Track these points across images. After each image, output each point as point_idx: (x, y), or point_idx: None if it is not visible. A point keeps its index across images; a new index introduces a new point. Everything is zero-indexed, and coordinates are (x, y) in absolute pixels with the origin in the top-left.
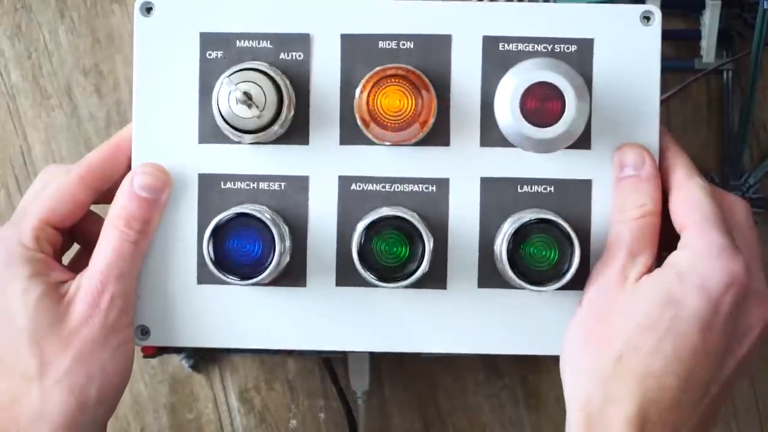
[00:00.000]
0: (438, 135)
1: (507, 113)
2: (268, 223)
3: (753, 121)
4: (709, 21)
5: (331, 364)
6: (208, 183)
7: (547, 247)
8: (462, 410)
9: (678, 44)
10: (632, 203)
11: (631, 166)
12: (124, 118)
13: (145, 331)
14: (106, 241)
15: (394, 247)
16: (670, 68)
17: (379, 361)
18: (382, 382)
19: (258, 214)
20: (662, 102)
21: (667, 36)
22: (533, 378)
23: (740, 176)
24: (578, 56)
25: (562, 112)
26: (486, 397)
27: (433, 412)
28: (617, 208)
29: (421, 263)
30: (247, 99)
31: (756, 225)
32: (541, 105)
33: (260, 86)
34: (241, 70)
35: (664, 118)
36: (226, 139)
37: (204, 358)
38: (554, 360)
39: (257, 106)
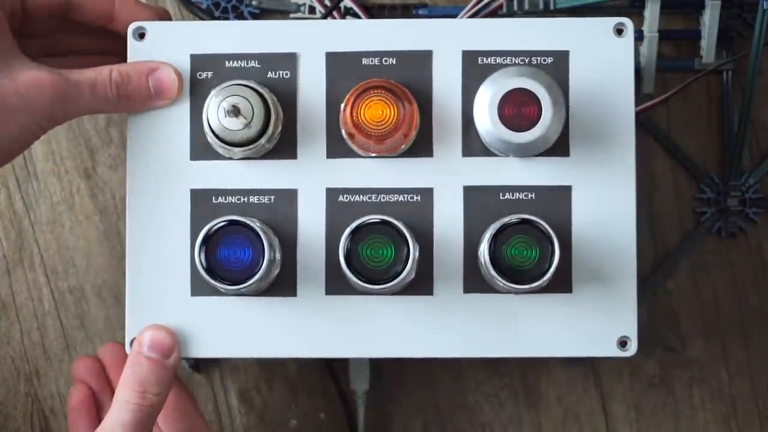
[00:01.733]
0: (421, 146)
1: (486, 120)
2: (257, 229)
3: (753, 121)
4: (709, 21)
5: (331, 364)
6: (200, 198)
7: (528, 247)
8: (462, 410)
9: (678, 44)
10: (153, 386)
11: (158, 351)
12: (124, 116)
13: None
14: None
15: (379, 250)
16: (670, 68)
17: (378, 361)
18: (382, 382)
19: (247, 221)
20: (662, 102)
21: (667, 36)
22: (533, 377)
23: (740, 176)
24: (554, 68)
25: (539, 116)
26: (486, 397)
27: (433, 411)
28: (135, 380)
29: (407, 264)
30: (235, 111)
31: (756, 225)
32: (518, 110)
33: (248, 100)
34: (230, 85)
35: (664, 118)
36: (216, 156)
37: (204, 359)
38: (554, 359)
39: (245, 117)
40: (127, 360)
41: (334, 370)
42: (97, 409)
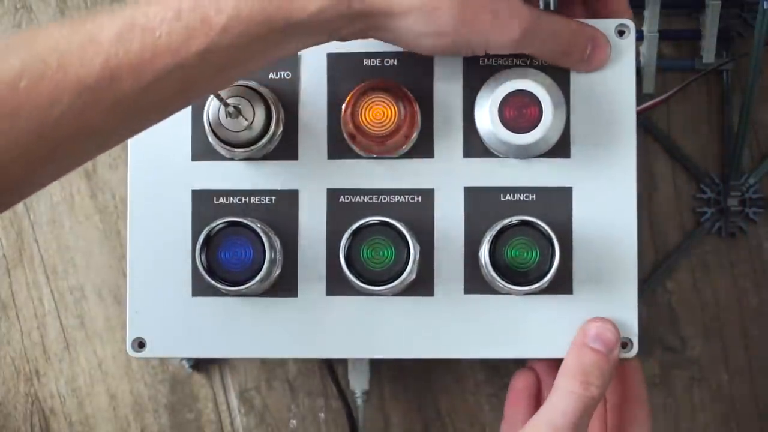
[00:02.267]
0: (422, 147)
1: (487, 121)
2: (258, 230)
3: (753, 121)
4: (709, 21)
5: (331, 364)
6: (201, 199)
7: (528, 249)
8: (462, 410)
9: (678, 44)
10: (596, 378)
11: (603, 344)
12: None
13: (141, 344)
14: None
15: (380, 251)
16: (670, 68)
17: (378, 361)
18: (382, 382)
19: (248, 222)
20: (662, 102)
21: (667, 36)
22: None
23: (740, 176)
24: (556, 69)
25: (540, 117)
26: (486, 397)
27: (433, 411)
28: (579, 370)
29: (407, 265)
30: (236, 112)
31: (756, 225)
32: (519, 112)
33: (249, 101)
34: (231, 86)
35: (664, 118)
36: (218, 156)
37: (204, 359)
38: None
39: (246, 119)
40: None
41: (334, 370)
42: (538, 397)
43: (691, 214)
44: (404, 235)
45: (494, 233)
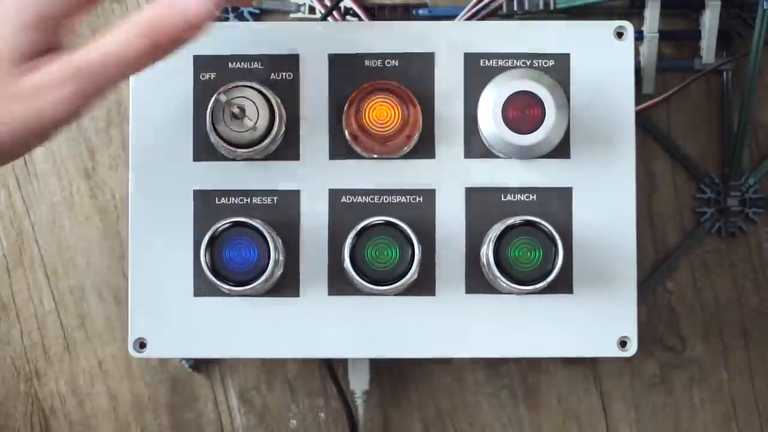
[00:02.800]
0: (424, 148)
1: (490, 122)
2: (263, 230)
3: (753, 121)
4: (709, 21)
5: (331, 364)
6: (203, 199)
7: (532, 249)
8: (462, 410)
9: (678, 44)
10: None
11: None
12: (124, 117)
13: (143, 344)
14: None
15: (384, 251)
16: (670, 68)
17: (378, 361)
18: (382, 382)
19: (254, 223)
20: (662, 102)
21: (667, 36)
22: (533, 377)
23: (740, 176)
24: (555, 71)
25: (543, 119)
26: (486, 397)
27: (433, 411)
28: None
29: (411, 265)
30: (241, 113)
31: (756, 225)
32: (522, 113)
33: (253, 101)
34: (235, 86)
35: (664, 118)
36: (219, 157)
37: (204, 358)
38: (554, 359)
39: (250, 119)
40: None
41: (334, 370)
42: None
43: (691, 214)
44: (409, 236)
45: (498, 233)
